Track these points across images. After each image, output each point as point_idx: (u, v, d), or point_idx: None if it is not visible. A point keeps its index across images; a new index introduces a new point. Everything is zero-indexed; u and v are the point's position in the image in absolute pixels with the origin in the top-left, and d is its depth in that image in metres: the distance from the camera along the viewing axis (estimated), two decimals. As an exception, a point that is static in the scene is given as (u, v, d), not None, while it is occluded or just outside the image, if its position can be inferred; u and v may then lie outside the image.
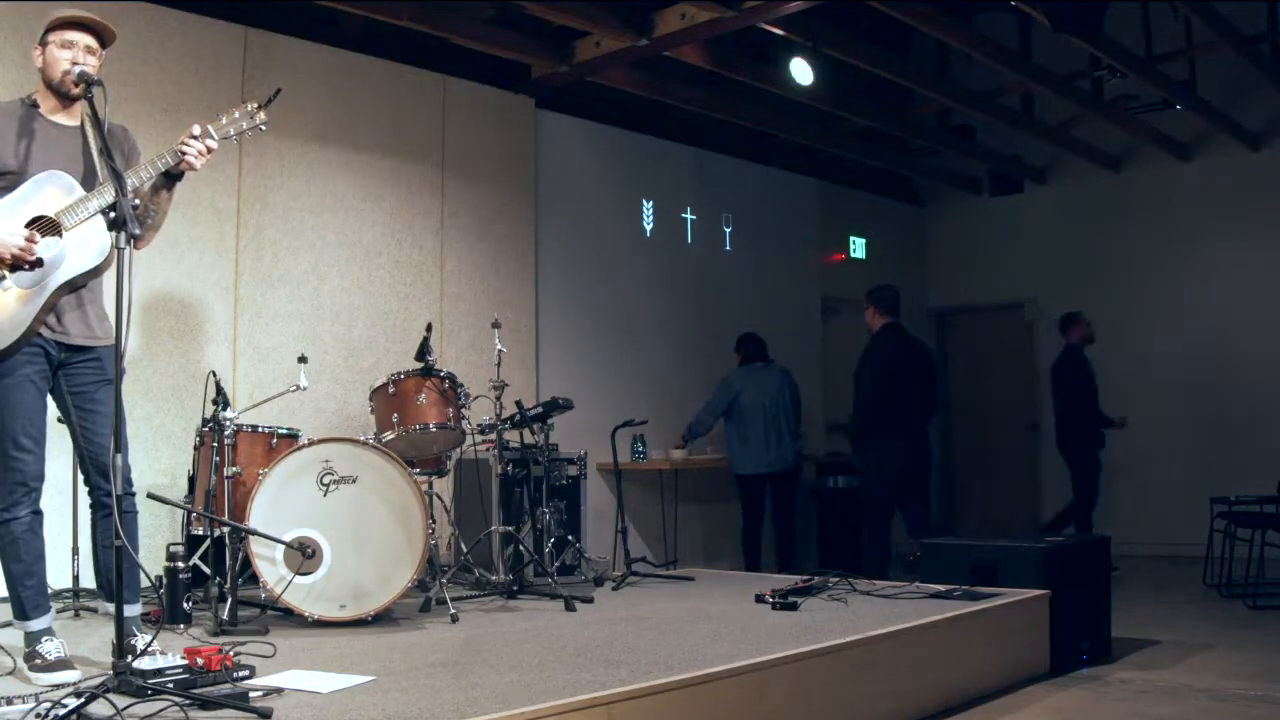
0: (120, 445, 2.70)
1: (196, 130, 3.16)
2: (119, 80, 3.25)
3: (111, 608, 3.18)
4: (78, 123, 3.23)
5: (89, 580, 3.94)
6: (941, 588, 4.51)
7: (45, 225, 3.03)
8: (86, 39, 3.14)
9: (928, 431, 6.44)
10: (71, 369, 3.19)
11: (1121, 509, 8.61)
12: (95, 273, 3.17)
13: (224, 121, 3.24)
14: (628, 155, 7.70)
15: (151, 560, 4.34)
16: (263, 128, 3.30)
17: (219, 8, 5.57)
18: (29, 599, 3.10)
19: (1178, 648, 4.81)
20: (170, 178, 3.23)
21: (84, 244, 3.09)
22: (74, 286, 3.14)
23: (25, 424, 3.07)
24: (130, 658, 2.66)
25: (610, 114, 7.61)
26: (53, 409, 3.23)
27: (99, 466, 3.18)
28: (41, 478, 3.13)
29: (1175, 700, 3.84)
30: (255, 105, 3.29)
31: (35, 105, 3.20)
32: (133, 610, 3.19)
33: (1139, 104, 8.12)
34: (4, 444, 3.06)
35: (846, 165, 9.33)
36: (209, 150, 3.17)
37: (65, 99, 3.18)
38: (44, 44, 3.16)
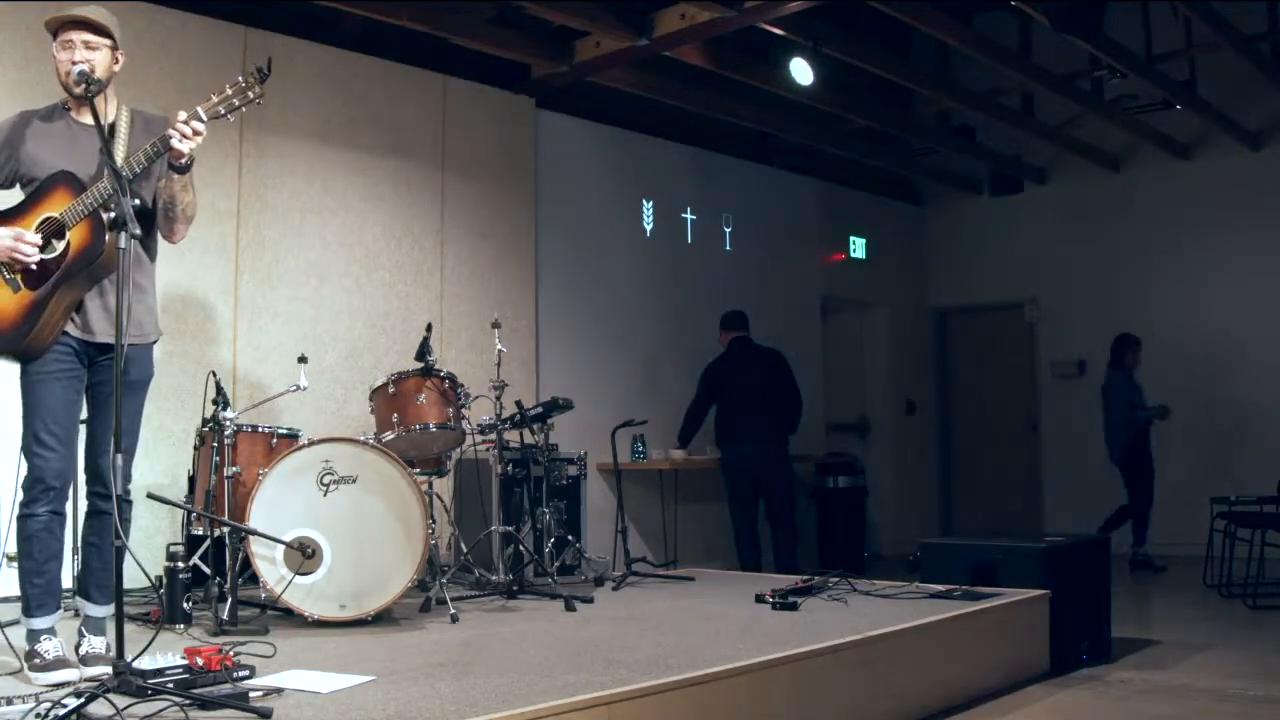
0: (120, 446, 2.69)
1: (183, 115, 3.08)
2: (118, 80, 3.24)
3: (88, 607, 3.20)
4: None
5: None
6: (941, 588, 4.51)
7: (53, 225, 3.05)
8: (82, 35, 3.13)
9: (782, 435, 6.97)
10: (96, 367, 3.18)
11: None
12: (88, 261, 3.08)
13: (214, 100, 3.11)
14: (628, 155, 7.70)
15: (151, 560, 4.33)
16: (259, 103, 3.13)
17: (219, 8, 5.56)
18: (34, 597, 3.09)
19: (1178, 648, 4.81)
20: (175, 169, 3.16)
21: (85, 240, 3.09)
22: (94, 280, 3.11)
23: (47, 420, 3.06)
24: (86, 666, 2.63)
25: (610, 114, 7.60)
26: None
27: (91, 465, 3.19)
28: (63, 476, 3.09)
29: (1175, 700, 3.84)
30: (249, 79, 3.09)
31: (67, 108, 3.23)
32: (99, 612, 3.20)
33: (1139, 104, 8.12)
34: (27, 440, 3.07)
35: (846, 165, 9.33)
36: (195, 132, 3.06)
37: (79, 99, 3.18)
38: (54, 50, 3.18)
